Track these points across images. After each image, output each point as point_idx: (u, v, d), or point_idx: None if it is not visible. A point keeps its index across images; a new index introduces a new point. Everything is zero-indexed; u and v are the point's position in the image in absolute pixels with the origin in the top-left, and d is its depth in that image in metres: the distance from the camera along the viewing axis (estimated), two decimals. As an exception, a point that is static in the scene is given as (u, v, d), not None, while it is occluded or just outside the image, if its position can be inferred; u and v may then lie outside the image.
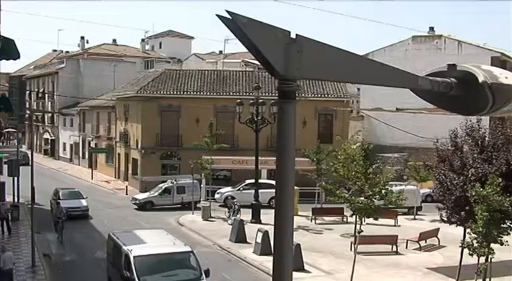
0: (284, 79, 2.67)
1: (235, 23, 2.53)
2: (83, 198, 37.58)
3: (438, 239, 30.04)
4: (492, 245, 18.56)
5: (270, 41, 2.59)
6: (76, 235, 31.30)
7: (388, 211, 29.83)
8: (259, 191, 38.19)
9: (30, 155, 32.39)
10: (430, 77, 3.30)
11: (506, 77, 3.29)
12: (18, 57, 26.23)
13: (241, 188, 41.55)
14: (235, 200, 37.14)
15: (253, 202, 36.15)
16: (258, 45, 2.57)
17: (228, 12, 2.52)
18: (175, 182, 41.23)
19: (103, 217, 36.58)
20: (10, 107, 31.21)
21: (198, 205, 39.90)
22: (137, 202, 41.10)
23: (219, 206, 40.70)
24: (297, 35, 2.67)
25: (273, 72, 2.66)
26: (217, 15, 2.58)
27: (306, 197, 38.49)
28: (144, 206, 40.39)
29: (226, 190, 42.38)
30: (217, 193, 41.80)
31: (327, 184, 26.23)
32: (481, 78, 3.22)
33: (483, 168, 19.75)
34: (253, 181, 41.06)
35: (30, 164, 27.95)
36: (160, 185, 42.14)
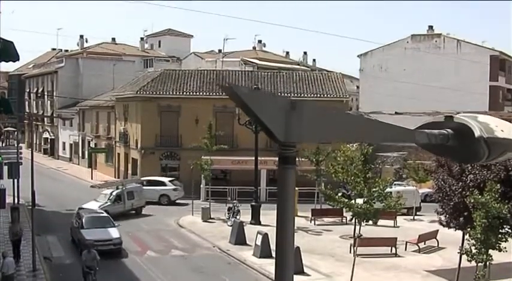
0: (285, 145, 2.73)
1: (236, 94, 2.60)
2: (114, 226, 29.40)
3: (437, 241, 30.14)
4: (491, 250, 18.65)
5: (270, 109, 2.65)
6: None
7: (387, 211, 29.96)
8: (150, 188, 41.03)
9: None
10: (427, 130, 3.36)
11: (502, 130, 3.35)
12: (18, 59, 26.20)
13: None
14: (235, 201, 37.21)
15: (253, 203, 36.22)
16: (258, 114, 2.63)
17: (229, 84, 2.60)
18: (124, 188, 37.92)
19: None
20: (10, 109, 31.28)
21: (143, 212, 38.70)
22: None
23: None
24: (296, 101, 2.73)
25: (273, 139, 2.71)
26: (220, 85, 2.66)
27: (306, 197, 38.63)
28: None
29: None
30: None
31: (326, 189, 26.26)
32: (477, 133, 3.28)
33: (482, 174, 19.81)
34: (149, 177, 43.99)
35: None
36: (105, 191, 38.06)
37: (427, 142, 3.32)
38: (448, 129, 3.43)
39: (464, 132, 3.38)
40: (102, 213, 31.31)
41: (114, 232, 28.53)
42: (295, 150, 2.76)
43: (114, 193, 37.23)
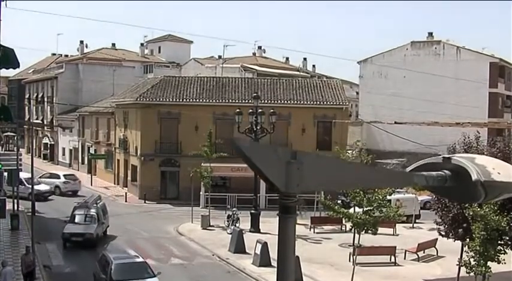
0: (285, 195, 2.79)
1: (238, 146, 2.66)
2: (153, 275, 22.45)
3: (436, 250, 30.15)
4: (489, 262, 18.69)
5: (271, 161, 2.72)
6: (76, 246, 31.17)
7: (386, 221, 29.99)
8: (48, 179, 49.11)
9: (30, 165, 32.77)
10: (425, 173, 3.41)
11: (498, 173, 3.41)
12: (18, 66, 26.22)
13: (42, 176, 50.92)
14: (234, 209, 37.25)
15: (252, 211, 36.23)
16: (259, 166, 2.69)
17: (231, 138, 2.67)
18: (98, 205, 33.57)
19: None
20: (10, 117, 31.37)
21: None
22: (87, 237, 30.64)
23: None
24: (297, 152, 2.79)
25: (275, 189, 2.77)
26: (225, 139, 2.74)
27: (305, 204, 38.59)
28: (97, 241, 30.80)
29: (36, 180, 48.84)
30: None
31: (326, 199, 26.31)
32: (474, 177, 3.34)
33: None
34: (51, 171, 54.27)
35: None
36: (77, 212, 32.66)
37: (426, 184, 3.38)
38: (445, 171, 3.49)
39: (461, 174, 3.44)
40: (138, 257, 23.52)
41: None
42: (295, 200, 2.82)
43: (92, 213, 32.23)
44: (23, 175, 46.75)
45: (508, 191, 3.52)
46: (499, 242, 18.84)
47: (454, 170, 3.48)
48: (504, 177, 3.41)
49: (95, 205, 33.41)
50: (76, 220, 31.94)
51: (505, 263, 18.88)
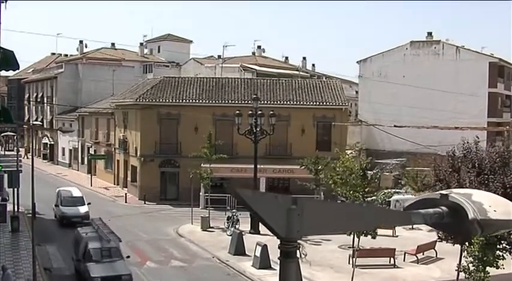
0: (286, 240, 2.86)
1: (241, 196, 2.74)
2: None
3: (435, 251, 30.21)
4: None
5: (271, 209, 2.79)
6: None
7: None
8: None
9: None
10: (422, 211, 3.48)
11: (494, 210, 3.47)
12: (18, 68, 26.35)
13: None
14: (234, 210, 37.27)
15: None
16: (261, 214, 2.77)
17: (234, 188, 2.75)
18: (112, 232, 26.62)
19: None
20: (10, 119, 31.37)
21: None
22: (126, 279, 23.96)
23: None
24: (297, 198, 2.85)
25: (275, 235, 2.84)
26: (227, 190, 2.82)
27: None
28: None
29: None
30: None
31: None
32: (470, 215, 3.40)
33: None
34: None
35: None
36: (92, 246, 24.89)
37: (424, 222, 3.45)
38: (443, 207, 3.55)
39: (458, 210, 3.51)
40: None
41: None
42: (296, 245, 2.89)
43: (112, 245, 25.19)
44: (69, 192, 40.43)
45: (504, 228, 3.59)
46: (498, 247, 18.91)
47: (451, 207, 3.54)
48: (500, 215, 3.48)
49: (108, 232, 26.14)
50: (94, 257, 24.56)
51: (503, 268, 18.94)
